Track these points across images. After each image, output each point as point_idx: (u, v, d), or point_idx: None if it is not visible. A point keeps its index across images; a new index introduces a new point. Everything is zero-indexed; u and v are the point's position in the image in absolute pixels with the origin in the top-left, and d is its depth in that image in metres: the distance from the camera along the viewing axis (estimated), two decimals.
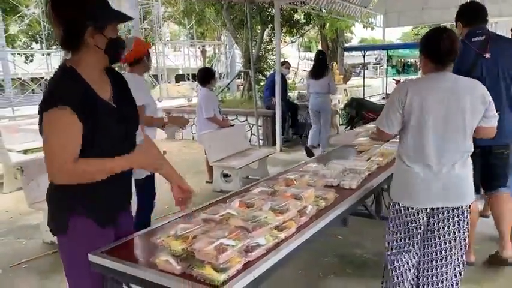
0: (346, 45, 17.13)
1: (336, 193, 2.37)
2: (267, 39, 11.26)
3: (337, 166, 2.86)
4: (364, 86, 10.14)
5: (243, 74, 11.37)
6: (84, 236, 1.68)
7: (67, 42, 1.57)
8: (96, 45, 1.56)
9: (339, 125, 8.74)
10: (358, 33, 22.86)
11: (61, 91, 1.53)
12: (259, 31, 10.76)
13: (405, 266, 2.32)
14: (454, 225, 2.22)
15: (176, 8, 14.16)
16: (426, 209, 2.24)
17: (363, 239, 3.90)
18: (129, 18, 1.62)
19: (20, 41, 21.64)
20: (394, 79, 11.78)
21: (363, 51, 10.34)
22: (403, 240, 2.35)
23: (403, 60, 34.95)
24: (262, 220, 1.71)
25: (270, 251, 1.64)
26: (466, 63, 2.89)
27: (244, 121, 8.88)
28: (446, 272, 2.26)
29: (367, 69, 34.30)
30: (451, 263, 2.26)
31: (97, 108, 1.58)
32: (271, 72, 9.71)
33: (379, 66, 31.50)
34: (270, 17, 10.27)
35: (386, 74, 11.77)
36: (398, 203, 2.32)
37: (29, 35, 21.41)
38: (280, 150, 8.06)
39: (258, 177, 6.13)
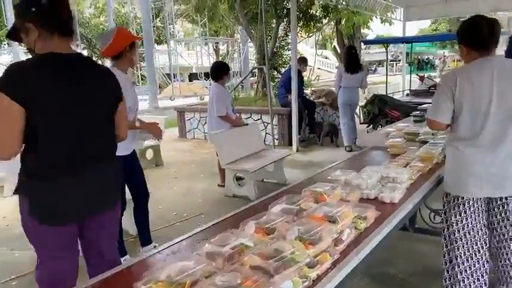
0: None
1: (376, 210, 1.89)
2: (283, 34, 10.74)
3: (372, 174, 2.37)
4: (387, 83, 9.56)
5: (257, 71, 10.89)
6: (30, 230, 1.79)
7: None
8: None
9: (360, 123, 8.21)
10: (375, 29, 22.09)
11: None
12: (274, 25, 10.26)
13: (476, 266, 2.18)
14: None
15: (189, 5, 13.75)
16: (485, 199, 2.18)
17: (397, 255, 3.40)
18: None
19: None
20: (417, 75, 11.14)
21: (385, 45, 9.70)
22: (467, 236, 2.19)
23: (419, 57, 34.03)
24: (288, 257, 1.24)
25: None
26: None
27: (258, 120, 8.42)
28: None
29: (382, 66, 33.53)
30: None
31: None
32: (287, 68, 9.21)
33: (396, 63, 30.63)
34: (285, 10, 9.75)
35: (411, 70, 11.13)
36: (457, 197, 2.20)
37: None
38: (297, 151, 7.58)
39: (274, 181, 5.67)
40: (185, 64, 24.05)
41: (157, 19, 22.20)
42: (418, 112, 4.67)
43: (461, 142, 2.15)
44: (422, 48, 32.16)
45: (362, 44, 14.33)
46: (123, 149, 3.08)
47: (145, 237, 3.50)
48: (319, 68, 29.95)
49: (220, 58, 23.77)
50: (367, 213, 1.82)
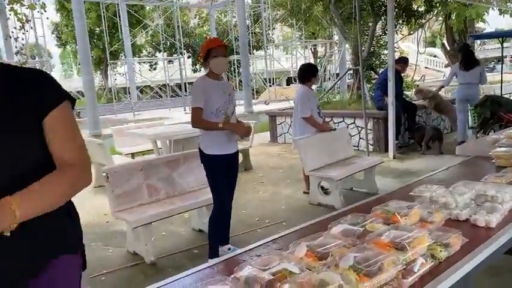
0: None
1: (463, 236, 1.57)
2: (381, 33, 10.14)
3: (466, 190, 2.01)
4: (502, 82, 8.41)
5: (352, 72, 10.45)
6: None
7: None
8: None
9: (469, 128, 7.32)
10: (492, 23, 19.71)
11: None
12: (371, 24, 9.73)
13: None
14: None
15: (285, 10, 13.82)
16: None
17: (503, 284, 2.88)
18: None
19: (146, 50, 23.72)
20: None
21: (499, 40, 8.55)
22: None
23: None
24: None
25: None
26: None
27: (351, 124, 8.03)
28: None
29: (503, 63, 29.91)
30: None
31: None
32: (384, 68, 8.65)
33: None
34: (383, 8, 9.18)
35: None
36: None
37: (152, 44, 23.35)
38: (394, 158, 7.04)
39: (364, 190, 5.31)
40: (283, 68, 24.29)
41: (256, 25, 22.76)
42: None
43: None
44: None
45: (474, 39, 12.88)
46: (217, 149, 3.22)
47: (224, 238, 3.48)
48: (426, 67, 27.84)
49: (318, 60, 23.50)
50: (450, 239, 1.52)
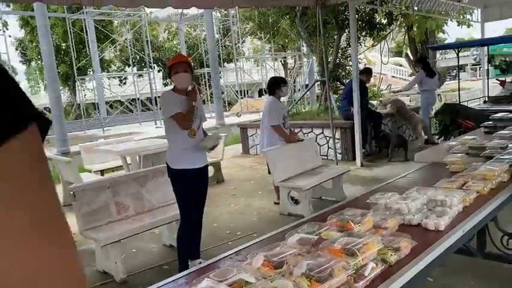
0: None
1: (413, 240, 1.67)
2: (346, 45, 10.46)
3: (418, 196, 2.13)
4: (459, 90, 8.82)
5: (320, 83, 10.70)
6: None
7: None
8: None
9: (431, 134, 7.62)
10: (452, 33, 20.69)
11: None
12: (336, 37, 10.03)
13: None
14: None
15: (253, 24, 14.07)
16: None
17: (461, 284, 3.03)
18: None
19: (115, 65, 23.45)
20: (498, 79, 10.15)
21: (456, 50, 9.00)
22: None
23: (507, 58, 31.08)
24: None
25: None
26: None
27: (320, 134, 8.20)
28: None
29: (464, 71, 31.19)
30: None
31: None
32: (349, 79, 8.92)
33: (479, 68, 28.32)
34: (347, 21, 9.50)
35: (488, 75, 10.19)
36: None
37: (121, 59, 23.11)
38: (361, 166, 7.23)
39: (333, 198, 5.43)
40: (255, 81, 24.51)
41: (226, 38, 22.95)
42: (490, 122, 4.19)
43: None
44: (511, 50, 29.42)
45: (431, 50, 13.51)
46: (185, 163, 3.22)
47: (194, 252, 3.50)
48: (393, 76, 28.68)
49: (288, 72, 23.86)
50: (400, 243, 1.61)
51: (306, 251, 1.47)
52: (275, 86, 5.24)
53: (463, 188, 2.34)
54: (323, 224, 1.72)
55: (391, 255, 1.56)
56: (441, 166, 3.05)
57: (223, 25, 21.94)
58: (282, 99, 5.65)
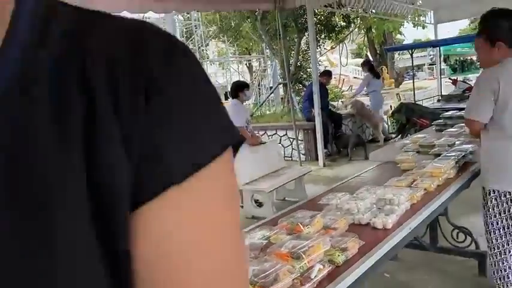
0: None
1: (362, 239, 1.72)
2: (306, 48, 10.64)
3: (368, 195, 2.19)
4: (414, 90, 9.18)
5: (283, 86, 10.83)
6: None
7: None
8: None
9: (389, 133, 7.88)
10: (409, 35, 21.49)
11: None
12: (296, 40, 10.19)
13: None
14: None
15: (215, 27, 14.06)
16: None
17: (417, 278, 3.14)
18: None
19: None
20: (450, 78, 10.63)
21: (410, 52, 9.37)
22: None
23: (462, 58, 32.55)
24: None
25: None
26: None
27: (284, 135, 8.29)
28: None
29: (422, 70, 32.36)
30: None
31: None
32: (310, 82, 9.10)
33: (435, 67, 29.54)
34: (306, 24, 9.68)
35: (440, 74, 10.65)
36: (496, 190, 2.30)
37: None
38: (324, 166, 7.36)
39: (296, 199, 5.49)
40: (218, 84, 24.43)
41: (189, 41, 22.78)
42: (440, 120, 4.37)
43: (507, 139, 2.23)
44: (465, 50, 30.83)
45: (386, 51, 14.04)
46: None
47: None
48: (355, 77, 29.40)
49: (253, 75, 23.95)
50: (347, 243, 1.65)
51: (253, 256, 1.48)
52: (238, 90, 5.36)
53: (412, 185, 2.43)
54: (273, 228, 1.74)
55: (339, 255, 1.59)
56: (394, 165, 3.15)
57: (186, 28, 21.78)
58: (246, 102, 5.75)
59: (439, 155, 3.03)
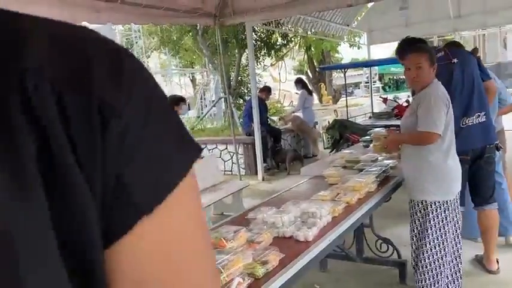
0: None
1: (283, 252, 1.79)
2: (247, 63, 10.86)
3: (293, 209, 2.28)
4: (347, 107, 9.69)
5: (224, 100, 10.91)
6: None
7: None
8: None
9: (324, 148, 8.20)
10: (346, 54, 22.62)
11: None
12: (237, 55, 10.36)
13: (452, 256, 2.65)
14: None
15: (156, 39, 13.91)
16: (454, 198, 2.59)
17: None
18: None
19: None
20: (381, 97, 11.35)
21: (343, 71, 9.93)
22: (445, 234, 2.56)
23: (395, 77, 34.77)
24: None
25: None
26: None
27: (224, 150, 8.34)
28: None
29: (359, 88, 34.06)
30: None
31: None
32: (249, 97, 9.27)
33: (369, 85, 31.26)
34: (246, 40, 9.89)
35: (371, 92, 11.37)
36: (437, 201, 2.54)
37: None
38: (263, 179, 7.48)
39: (232, 214, 5.52)
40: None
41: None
42: (368, 137, 4.63)
43: (444, 153, 2.50)
44: (399, 69, 32.98)
45: (321, 70, 14.79)
46: None
47: None
48: (296, 93, 30.22)
49: (196, 88, 23.84)
50: (268, 256, 1.71)
51: None
52: (173, 104, 5.29)
53: (335, 199, 2.56)
54: None
55: (259, 268, 1.64)
56: (322, 179, 3.30)
57: (127, 39, 21.28)
58: (183, 116, 5.70)
59: (362, 170, 3.23)
